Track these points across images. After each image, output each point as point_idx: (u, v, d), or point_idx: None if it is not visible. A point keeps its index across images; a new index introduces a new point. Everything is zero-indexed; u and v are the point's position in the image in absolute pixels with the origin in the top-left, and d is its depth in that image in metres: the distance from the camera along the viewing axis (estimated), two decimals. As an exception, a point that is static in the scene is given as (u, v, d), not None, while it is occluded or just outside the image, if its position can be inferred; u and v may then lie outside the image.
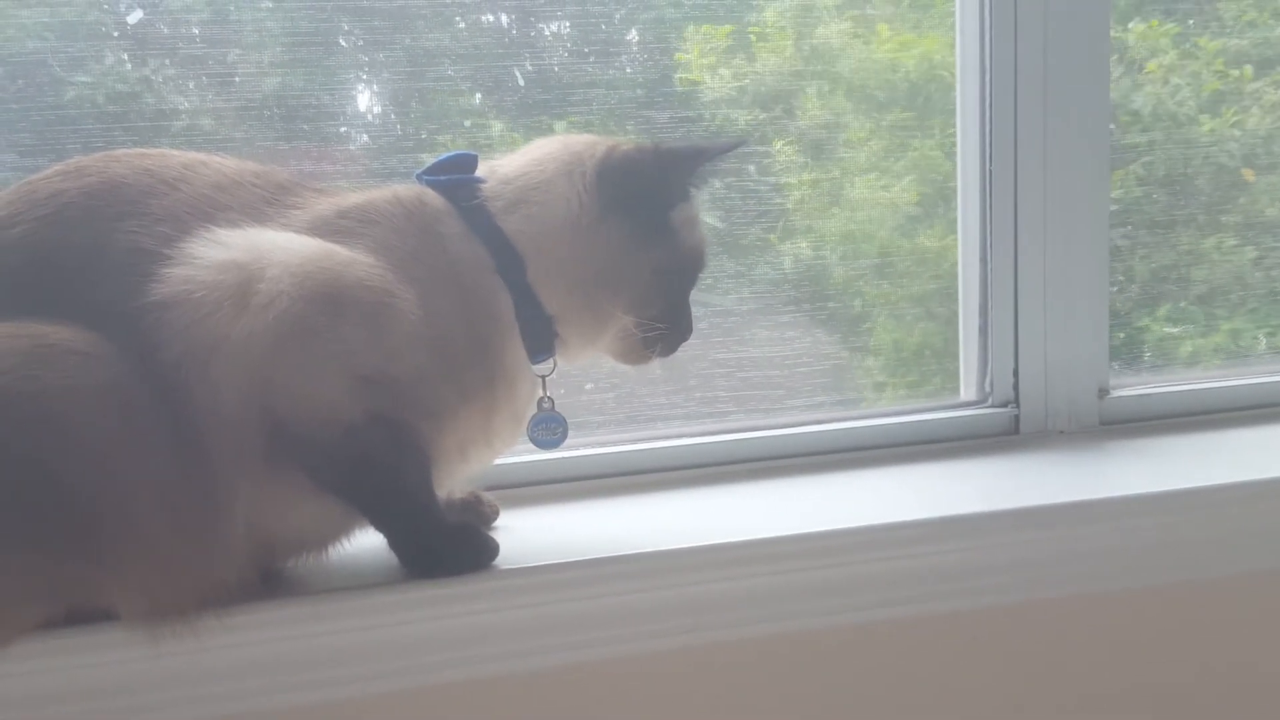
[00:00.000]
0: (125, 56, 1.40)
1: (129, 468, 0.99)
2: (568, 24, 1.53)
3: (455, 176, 1.20)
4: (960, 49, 1.58)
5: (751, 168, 1.58)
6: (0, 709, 1.08)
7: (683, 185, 1.24)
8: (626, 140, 1.25)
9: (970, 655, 1.36)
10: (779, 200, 1.60)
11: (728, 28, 1.57)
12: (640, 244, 1.20)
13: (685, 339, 1.27)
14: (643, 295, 1.21)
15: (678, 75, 1.55)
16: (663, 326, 1.23)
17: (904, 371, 1.68)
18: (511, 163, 1.23)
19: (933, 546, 1.29)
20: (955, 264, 1.63)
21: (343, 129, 1.48)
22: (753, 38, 1.58)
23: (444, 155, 1.22)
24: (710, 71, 1.56)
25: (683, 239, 1.23)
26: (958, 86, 1.59)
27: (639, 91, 1.54)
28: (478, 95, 1.51)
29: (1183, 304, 1.77)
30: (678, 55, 1.55)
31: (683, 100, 1.55)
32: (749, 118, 1.58)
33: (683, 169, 1.22)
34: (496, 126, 1.50)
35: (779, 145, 1.59)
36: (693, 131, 1.55)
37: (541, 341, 1.21)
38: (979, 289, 1.59)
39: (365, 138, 1.50)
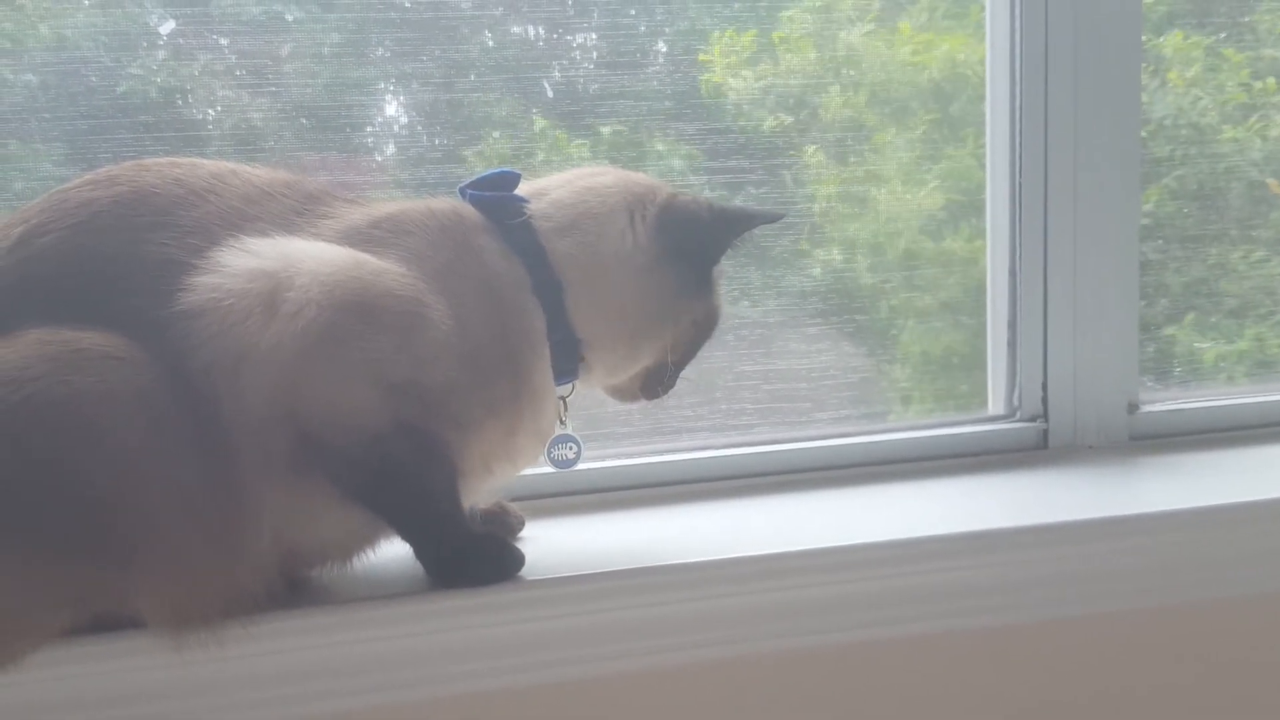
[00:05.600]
0: (157, 66, 1.41)
1: (157, 474, 0.99)
2: (594, 35, 1.53)
3: (500, 194, 1.21)
4: (990, 59, 1.57)
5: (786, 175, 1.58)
6: (26, 714, 1.08)
7: (728, 245, 1.25)
8: (683, 191, 1.27)
9: (997, 672, 1.35)
10: (806, 205, 1.61)
11: (752, 32, 1.57)
12: (688, 294, 1.24)
13: (671, 389, 1.30)
14: (677, 343, 1.25)
15: (703, 77, 1.56)
16: (673, 375, 1.27)
17: (931, 381, 1.66)
18: (562, 187, 1.23)
19: (959, 562, 1.28)
20: (983, 269, 1.62)
21: (371, 140, 1.49)
22: (776, 42, 1.58)
23: (488, 171, 1.23)
24: (734, 74, 1.56)
25: (715, 297, 1.27)
26: (987, 96, 1.58)
27: (667, 104, 1.54)
28: (504, 107, 1.52)
29: (1214, 318, 1.75)
30: (700, 56, 1.55)
31: (711, 112, 1.55)
32: (774, 123, 1.58)
33: (734, 230, 1.24)
34: (528, 134, 1.51)
35: (811, 150, 1.60)
36: (720, 144, 1.55)
37: (568, 364, 1.21)
38: (1008, 302, 1.58)
39: (393, 148, 1.50)
